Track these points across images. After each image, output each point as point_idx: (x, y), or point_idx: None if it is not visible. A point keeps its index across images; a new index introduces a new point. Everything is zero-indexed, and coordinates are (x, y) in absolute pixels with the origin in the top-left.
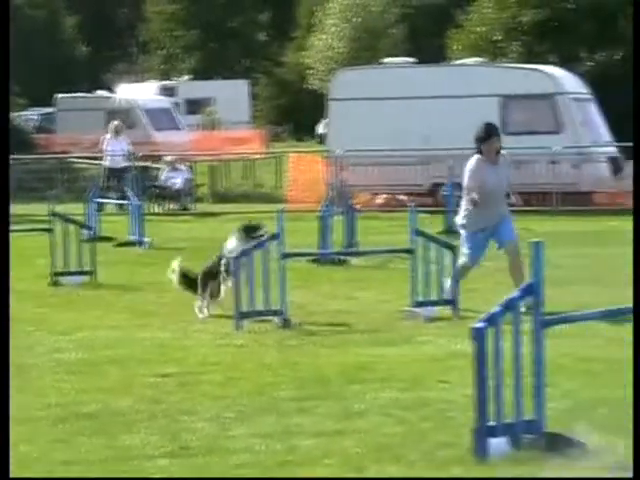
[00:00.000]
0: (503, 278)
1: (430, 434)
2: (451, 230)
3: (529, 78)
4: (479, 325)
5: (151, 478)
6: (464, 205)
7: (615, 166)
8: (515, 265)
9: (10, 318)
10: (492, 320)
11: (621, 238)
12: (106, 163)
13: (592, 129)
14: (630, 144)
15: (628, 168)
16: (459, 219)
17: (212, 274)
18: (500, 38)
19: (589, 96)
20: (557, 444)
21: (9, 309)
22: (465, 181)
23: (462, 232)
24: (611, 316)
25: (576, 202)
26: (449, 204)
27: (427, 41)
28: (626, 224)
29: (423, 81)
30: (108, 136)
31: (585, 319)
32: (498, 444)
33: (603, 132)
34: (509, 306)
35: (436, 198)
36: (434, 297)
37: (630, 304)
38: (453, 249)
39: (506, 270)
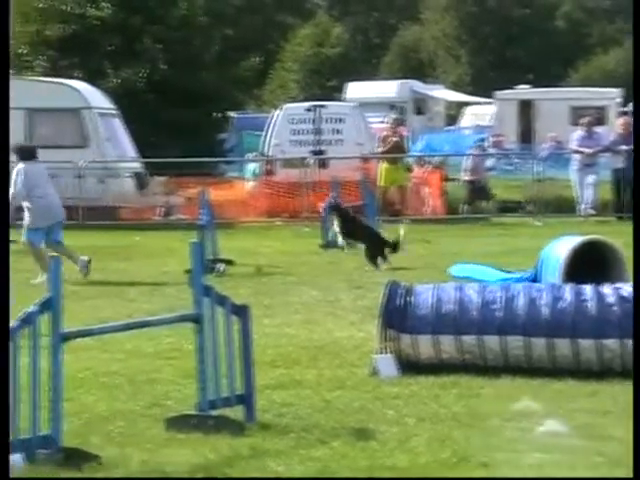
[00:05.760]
0: None
1: None
2: None
3: (55, 92)
4: None
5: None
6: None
7: (140, 182)
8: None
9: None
10: (11, 334)
11: (145, 252)
12: None
13: (118, 144)
14: (155, 160)
15: (153, 184)
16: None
17: None
18: (25, 52)
19: (115, 111)
20: (73, 458)
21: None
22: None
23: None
24: (130, 328)
25: (102, 216)
26: None
27: None
28: (150, 240)
29: None
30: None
31: (104, 332)
32: (15, 460)
33: (128, 148)
34: (27, 320)
35: None
36: None
37: (148, 317)
38: None
39: None
